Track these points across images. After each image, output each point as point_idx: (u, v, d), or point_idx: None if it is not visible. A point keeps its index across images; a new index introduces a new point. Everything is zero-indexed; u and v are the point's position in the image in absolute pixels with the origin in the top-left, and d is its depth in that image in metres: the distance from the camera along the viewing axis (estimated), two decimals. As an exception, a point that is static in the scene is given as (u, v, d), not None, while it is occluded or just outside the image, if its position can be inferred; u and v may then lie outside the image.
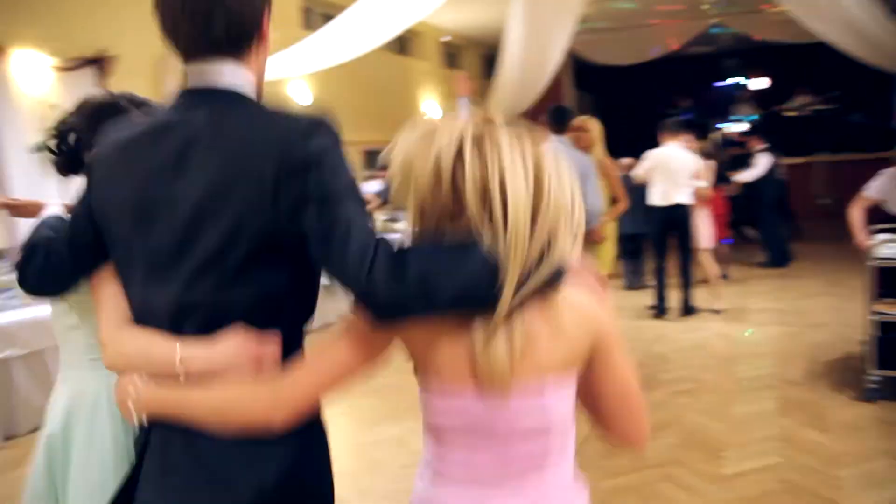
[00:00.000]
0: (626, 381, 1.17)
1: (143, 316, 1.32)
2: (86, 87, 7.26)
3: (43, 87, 6.91)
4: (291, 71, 8.40)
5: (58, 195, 2.10)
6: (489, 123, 1.12)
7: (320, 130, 1.23)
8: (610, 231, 5.11)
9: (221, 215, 1.19)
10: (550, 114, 4.59)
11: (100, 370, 1.68)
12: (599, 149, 4.99)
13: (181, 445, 1.28)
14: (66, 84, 7.10)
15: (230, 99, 1.28)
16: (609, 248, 5.09)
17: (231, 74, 1.28)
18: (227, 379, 1.21)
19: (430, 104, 14.01)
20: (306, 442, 1.29)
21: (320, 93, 10.78)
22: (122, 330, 1.34)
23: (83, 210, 1.40)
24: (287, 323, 1.29)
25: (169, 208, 1.24)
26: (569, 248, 1.10)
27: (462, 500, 1.18)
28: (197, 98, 1.30)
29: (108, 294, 1.40)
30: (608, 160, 5.04)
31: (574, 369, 1.14)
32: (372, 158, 12.20)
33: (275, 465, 1.25)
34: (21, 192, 6.61)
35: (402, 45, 13.66)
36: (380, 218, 8.88)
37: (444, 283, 1.08)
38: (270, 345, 1.23)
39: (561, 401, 1.13)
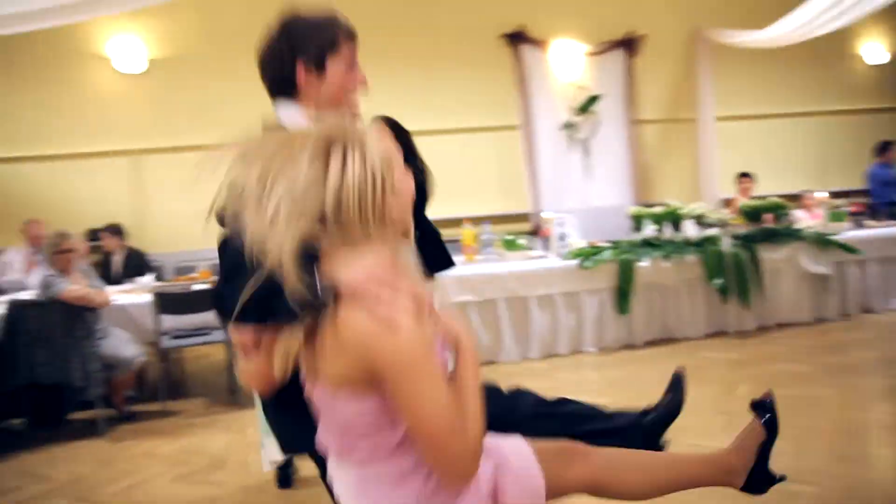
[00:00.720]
0: (417, 417, 1.06)
1: None
2: (614, 68, 7.91)
3: (574, 71, 7.80)
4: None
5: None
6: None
7: None
8: None
9: None
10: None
11: None
12: None
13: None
14: (595, 67, 7.86)
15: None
16: None
17: (283, 109, 1.64)
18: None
19: None
20: None
21: (902, 48, 9.02)
22: None
23: None
24: None
25: None
26: (292, 273, 1.03)
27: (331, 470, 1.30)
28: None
29: None
30: None
31: (364, 386, 1.09)
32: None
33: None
34: (546, 163, 7.72)
35: None
36: None
37: None
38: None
39: (354, 410, 1.11)
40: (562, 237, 5.62)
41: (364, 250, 1.09)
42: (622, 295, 5.18)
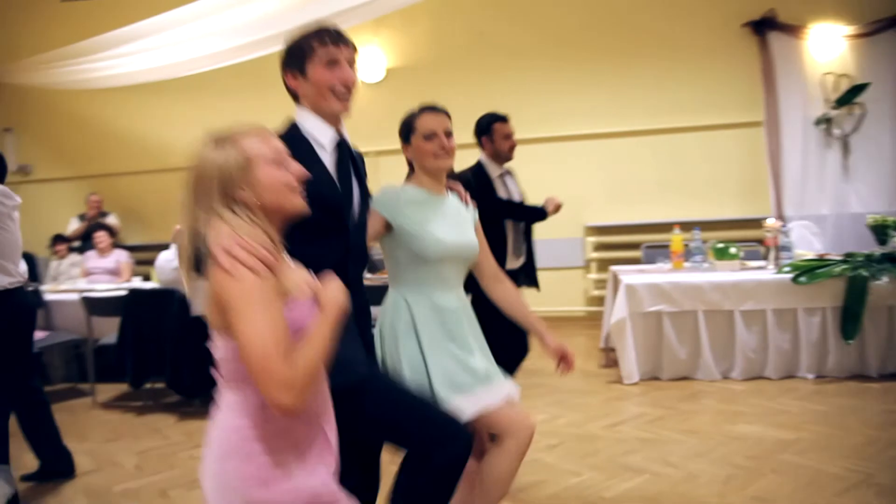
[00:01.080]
0: (242, 343, 1.27)
1: None
2: (887, 51, 6.74)
3: (832, 57, 6.79)
4: None
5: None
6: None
7: None
8: None
9: None
10: None
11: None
12: None
13: None
14: (859, 51, 6.76)
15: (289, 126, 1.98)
16: None
17: (297, 112, 1.98)
18: None
19: None
20: None
21: None
22: None
23: None
24: None
25: None
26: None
27: None
28: None
29: None
30: None
31: (223, 327, 1.35)
32: None
33: None
34: (793, 162, 6.84)
35: None
36: None
37: None
38: None
39: (220, 345, 1.39)
40: (785, 247, 4.99)
41: (228, 222, 1.34)
42: (850, 317, 4.45)
